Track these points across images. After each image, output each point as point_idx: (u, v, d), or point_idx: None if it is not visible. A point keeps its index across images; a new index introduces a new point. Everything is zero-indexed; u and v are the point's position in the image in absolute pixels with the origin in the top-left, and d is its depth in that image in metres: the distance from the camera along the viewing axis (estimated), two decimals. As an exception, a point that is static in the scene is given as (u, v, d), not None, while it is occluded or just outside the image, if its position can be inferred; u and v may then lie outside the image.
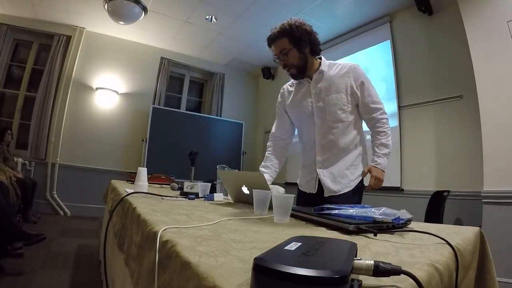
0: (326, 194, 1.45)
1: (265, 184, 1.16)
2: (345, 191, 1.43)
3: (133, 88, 4.94)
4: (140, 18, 3.95)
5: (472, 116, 2.61)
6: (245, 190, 1.28)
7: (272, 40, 1.43)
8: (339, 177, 1.45)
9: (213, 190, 1.65)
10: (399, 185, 3.28)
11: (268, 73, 5.63)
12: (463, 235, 0.75)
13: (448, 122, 2.98)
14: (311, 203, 1.33)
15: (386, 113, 1.50)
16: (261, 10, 3.74)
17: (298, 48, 1.42)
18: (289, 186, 4.61)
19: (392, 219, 0.76)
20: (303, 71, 1.48)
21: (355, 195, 1.46)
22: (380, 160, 1.46)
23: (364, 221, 0.75)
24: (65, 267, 2.19)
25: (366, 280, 0.39)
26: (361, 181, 1.49)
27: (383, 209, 0.80)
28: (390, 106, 3.51)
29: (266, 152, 1.70)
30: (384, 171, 1.44)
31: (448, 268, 0.54)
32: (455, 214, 2.79)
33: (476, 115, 2.46)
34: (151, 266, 0.57)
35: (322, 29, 4.12)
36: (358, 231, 0.71)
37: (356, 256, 0.41)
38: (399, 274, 0.39)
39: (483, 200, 2.28)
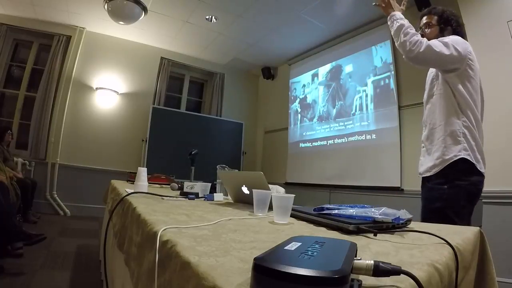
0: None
1: (265, 184, 1.16)
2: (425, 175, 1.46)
3: (133, 88, 4.94)
4: (140, 18, 3.95)
5: (472, 116, 2.61)
6: (245, 190, 1.28)
7: (426, 12, 1.58)
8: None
9: (213, 190, 1.65)
10: (399, 185, 3.28)
11: (268, 73, 5.63)
12: (463, 235, 0.75)
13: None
14: None
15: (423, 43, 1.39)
16: (261, 10, 3.74)
17: (440, 28, 1.52)
18: (289, 186, 4.62)
19: (392, 219, 0.76)
20: None
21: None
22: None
23: (364, 221, 0.75)
24: (65, 267, 2.19)
25: (366, 280, 0.39)
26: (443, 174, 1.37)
27: (383, 209, 0.80)
28: (390, 106, 3.52)
29: None
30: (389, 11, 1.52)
31: (448, 268, 0.55)
32: (455, 214, 2.78)
33: (476, 115, 2.46)
34: (151, 266, 0.57)
35: (322, 29, 4.13)
36: (358, 231, 0.71)
37: (356, 256, 0.41)
38: (399, 274, 0.39)
39: (483, 200, 2.28)
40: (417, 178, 3.13)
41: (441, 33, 1.50)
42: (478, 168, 1.33)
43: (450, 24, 1.51)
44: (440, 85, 1.44)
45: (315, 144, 4.54)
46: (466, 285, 0.68)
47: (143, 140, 4.73)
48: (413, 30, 1.42)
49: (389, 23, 1.52)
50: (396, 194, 3.29)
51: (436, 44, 1.36)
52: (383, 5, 1.54)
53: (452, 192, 1.30)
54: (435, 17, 1.53)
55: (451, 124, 1.38)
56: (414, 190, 3.15)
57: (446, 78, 1.41)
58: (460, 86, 1.38)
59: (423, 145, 1.53)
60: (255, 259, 0.33)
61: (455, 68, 1.38)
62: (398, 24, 1.45)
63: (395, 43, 1.47)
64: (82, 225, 3.75)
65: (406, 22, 1.45)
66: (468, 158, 1.32)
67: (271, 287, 0.31)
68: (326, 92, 4.48)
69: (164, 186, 2.25)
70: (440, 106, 1.43)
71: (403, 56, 1.44)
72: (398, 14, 1.50)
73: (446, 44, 1.36)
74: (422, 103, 3.26)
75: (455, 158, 1.32)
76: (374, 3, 1.60)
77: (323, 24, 3.99)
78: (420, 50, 1.35)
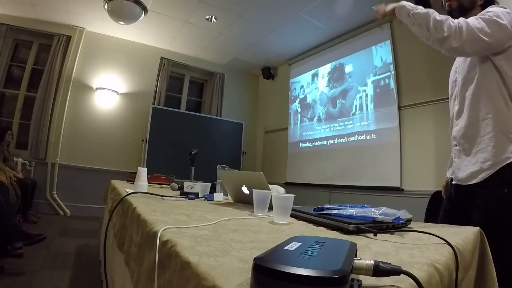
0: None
1: (265, 184, 1.16)
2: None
3: (133, 88, 4.94)
4: (140, 18, 3.95)
5: (472, 116, 2.61)
6: (245, 190, 1.28)
7: None
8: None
9: (213, 190, 1.65)
10: (399, 185, 3.28)
11: (268, 73, 5.62)
12: (463, 235, 0.75)
13: (448, 122, 2.97)
14: None
15: (457, 25, 1.08)
16: (261, 10, 3.74)
17: None
18: (289, 186, 4.62)
19: (392, 219, 0.76)
20: (463, 11, 1.21)
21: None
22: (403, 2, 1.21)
23: (364, 221, 0.75)
24: (65, 267, 2.19)
25: (366, 280, 0.39)
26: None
27: (383, 209, 0.80)
28: (390, 106, 3.52)
29: None
30: (397, 10, 1.23)
31: (448, 268, 0.55)
32: (455, 214, 2.78)
33: (476, 115, 2.46)
34: (151, 266, 0.57)
35: (322, 29, 4.12)
36: (358, 231, 0.71)
37: (356, 256, 0.41)
38: (399, 274, 0.39)
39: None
40: (417, 178, 3.14)
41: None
42: None
43: None
44: (484, 68, 1.14)
45: (315, 144, 4.54)
46: (466, 285, 0.68)
47: (143, 140, 4.73)
48: (439, 15, 1.12)
49: (403, 19, 1.21)
50: (396, 194, 3.29)
51: (481, 24, 1.07)
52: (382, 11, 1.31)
53: None
54: None
55: (501, 118, 1.10)
56: (414, 190, 3.15)
57: (493, 60, 1.12)
58: (510, 70, 1.10)
59: (455, 142, 1.26)
60: (255, 259, 0.33)
61: (505, 48, 1.10)
62: (418, 13, 1.15)
63: (423, 38, 1.17)
64: (82, 225, 3.75)
65: (423, 9, 1.16)
66: None
67: (271, 287, 0.31)
68: (326, 92, 4.48)
69: (164, 186, 2.25)
70: (486, 95, 1.14)
71: (443, 51, 1.15)
72: (406, 3, 1.21)
73: (492, 22, 1.07)
74: (422, 103, 3.28)
75: (508, 161, 1.07)
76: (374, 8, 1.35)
77: (323, 24, 3.99)
78: (463, 39, 1.06)
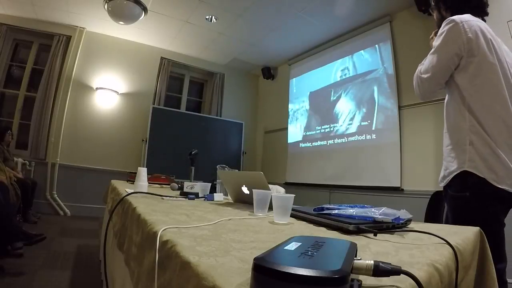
0: None
1: (265, 184, 1.16)
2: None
3: (133, 88, 4.94)
4: (140, 18, 3.95)
5: (472, 116, 2.61)
6: (245, 190, 1.28)
7: None
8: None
9: (213, 190, 1.65)
10: (399, 185, 3.28)
11: (268, 73, 5.63)
12: (463, 235, 0.75)
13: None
14: None
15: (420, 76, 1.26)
16: (261, 10, 3.74)
17: (437, 9, 1.35)
18: (289, 186, 4.62)
19: (392, 219, 0.76)
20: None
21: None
22: None
23: (364, 221, 0.75)
24: (65, 267, 2.19)
25: (366, 280, 0.39)
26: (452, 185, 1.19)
27: (383, 209, 0.80)
28: (390, 106, 3.52)
29: None
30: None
31: (448, 268, 0.55)
32: (455, 214, 2.78)
33: (476, 115, 2.46)
34: (151, 266, 0.57)
35: (322, 29, 4.13)
36: (358, 231, 0.71)
37: (356, 256, 0.41)
38: (399, 274, 0.39)
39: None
40: (417, 178, 3.14)
41: (439, 13, 1.34)
42: (493, 183, 1.08)
43: (440, 0, 1.32)
44: (448, 82, 1.23)
45: (315, 144, 4.54)
46: (466, 285, 0.68)
47: (143, 140, 4.73)
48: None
49: None
50: (396, 194, 3.29)
51: (424, 66, 1.24)
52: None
53: (476, 200, 1.11)
54: None
55: (456, 130, 1.19)
56: (414, 190, 3.15)
57: (453, 75, 1.20)
58: (466, 83, 1.16)
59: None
60: (255, 259, 0.33)
61: (462, 64, 1.17)
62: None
63: None
64: (82, 225, 3.75)
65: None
66: (473, 171, 1.11)
67: (271, 287, 0.31)
68: (326, 92, 4.48)
69: (164, 186, 2.25)
70: (447, 109, 1.25)
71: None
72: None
73: (432, 58, 1.21)
74: (422, 103, 3.29)
75: (458, 171, 1.15)
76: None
77: (323, 23, 3.99)
78: (419, 92, 1.28)
